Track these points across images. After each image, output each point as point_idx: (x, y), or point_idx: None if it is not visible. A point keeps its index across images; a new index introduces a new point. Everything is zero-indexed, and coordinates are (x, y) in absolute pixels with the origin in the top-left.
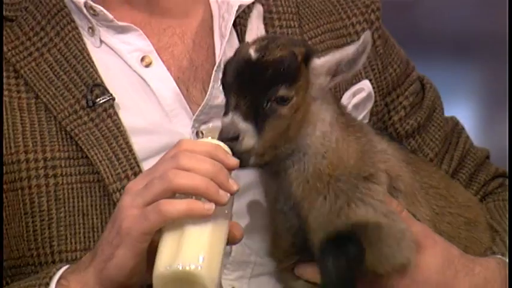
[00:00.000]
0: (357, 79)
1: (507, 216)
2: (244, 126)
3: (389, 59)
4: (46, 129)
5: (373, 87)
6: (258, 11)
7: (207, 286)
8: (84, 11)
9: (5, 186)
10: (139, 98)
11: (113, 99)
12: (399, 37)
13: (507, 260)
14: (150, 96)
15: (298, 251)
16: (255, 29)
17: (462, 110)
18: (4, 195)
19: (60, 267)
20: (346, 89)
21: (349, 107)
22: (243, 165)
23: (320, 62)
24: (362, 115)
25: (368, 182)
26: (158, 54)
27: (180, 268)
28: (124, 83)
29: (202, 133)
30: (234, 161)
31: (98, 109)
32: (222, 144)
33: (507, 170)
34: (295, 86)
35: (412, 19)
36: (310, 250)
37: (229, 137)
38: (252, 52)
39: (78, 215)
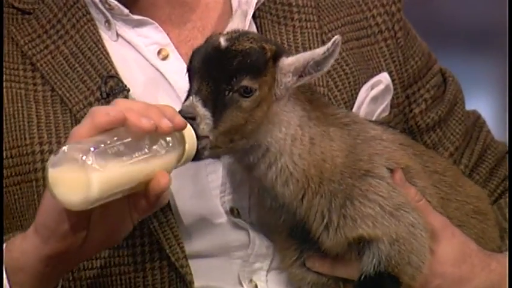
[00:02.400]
0: (377, 71)
1: None
2: (203, 111)
3: (411, 51)
4: (61, 122)
5: (394, 79)
6: (241, 11)
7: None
8: (100, 5)
9: (19, 178)
10: (156, 90)
11: (128, 90)
12: (420, 29)
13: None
14: (167, 88)
15: (298, 243)
16: (235, 26)
17: (482, 103)
18: (19, 186)
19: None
20: (365, 82)
21: (368, 99)
22: (198, 157)
23: (288, 61)
24: (381, 107)
25: (367, 178)
26: (178, 47)
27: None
28: (141, 76)
29: None
30: (181, 120)
31: (112, 101)
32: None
33: (507, 169)
34: (260, 79)
35: (433, 11)
36: (312, 241)
37: (187, 116)
38: (221, 40)
39: None
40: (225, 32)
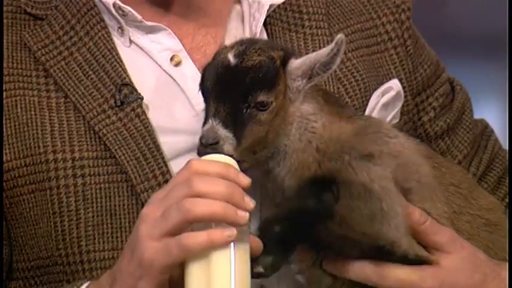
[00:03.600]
0: (387, 78)
1: None
2: (224, 133)
3: (420, 59)
4: (75, 129)
5: (404, 87)
6: (236, 11)
7: None
8: (113, 11)
9: (33, 186)
10: (169, 97)
11: (141, 98)
12: (428, 38)
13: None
14: (180, 95)
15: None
16: (234, 29)
17: (491, 111)
18: (33, 195)
19: (81, 284)
20: (375, 89)
21: (378, 106)
22: None
23: (295, 65)
24: (391, 114)
25: (367, 162)
26: (191, 53)
27: None
28: (153, 83)
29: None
30: (246, 180)
31: (126, 108)
32: (231, 160)
33: (508, 168)
34: (274, 91)
35: (441, 20)
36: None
37: (209, 143)
38: (230, 57)
39: (106, 215)
40: (230, 45)
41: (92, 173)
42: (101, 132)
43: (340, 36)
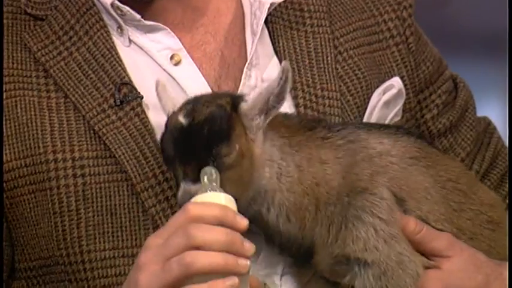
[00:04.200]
0: (388, 76)
1: None
2: (197, 188)
3: (422, 56)
4: (74, 129)
5: (406, 84)
6: (161, 85)
7: None
8: (111, 11)
9: (34, 186)
10: None
11: (141, 97)
12: (430, 35)
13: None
14: (180, 94)
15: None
16: (169, 100)
17: (493, 109)
18: (33, 195)
19: None
20: (377, 87)
21: (380, 104)
22: None
23: (248, 105)
24: (393, 112)
25: (364, 195)
26: (190, 52)
27: None
28: (153, 82)
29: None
30: (244, 223)
31: (126, 108)
32: (228, 197)
33: (508, 167)
34: (233, 138)
35: (444, 18)
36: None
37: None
38: (181, 119)
39: (106, 215)
40: (177, 109)
41: (92, 172)
42: (100, 132)
43: (284, 63)
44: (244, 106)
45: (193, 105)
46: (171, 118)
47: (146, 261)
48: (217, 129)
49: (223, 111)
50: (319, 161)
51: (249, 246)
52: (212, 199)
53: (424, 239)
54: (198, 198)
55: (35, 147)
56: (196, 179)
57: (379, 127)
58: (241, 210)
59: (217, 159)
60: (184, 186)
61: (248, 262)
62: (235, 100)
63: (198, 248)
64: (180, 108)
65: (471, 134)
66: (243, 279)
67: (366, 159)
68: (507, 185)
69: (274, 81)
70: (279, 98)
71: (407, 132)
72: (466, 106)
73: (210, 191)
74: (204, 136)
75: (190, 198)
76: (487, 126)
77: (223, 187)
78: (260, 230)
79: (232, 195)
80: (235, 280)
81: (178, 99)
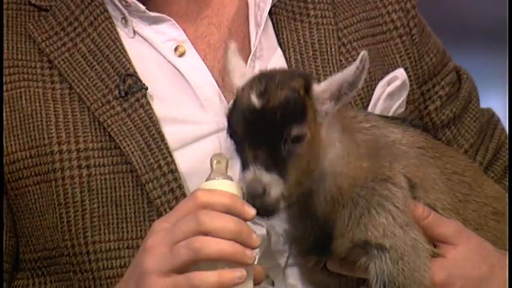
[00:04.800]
0: (392, 67)
1: None
2: (269, 178)
3: (426, 47)
4: (79, 120)
5: (410, 76)
6: (233, 48)
7: None
8: (116, 1)
9: (39, 178)
10: (173, 87)
11: (146, 88)
12: (434, 27)
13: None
14: (185, 85)
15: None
16: (238, 66)
17: (497, 101)
18: (38, 187)
19: None
20: (381, 78)
21: (384, 95)
22: (272, 213)
23: (321, 88)
24: (397, 104)
25: (387, 184)
26: (195, 43)
27: None
28: (158, 73)
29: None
30: (252, 212)
31: (131, 99)
32: (235, 185)
33: (508, 166)
34: (306, 121)
35: (447, 9)
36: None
37: (257, 194)
38: (254, 100)
39: (111, 206)
40: (248, 85)
41: (96, 163)
42: (105, 123)
43: (363, 53)
44: (316, 89)
45: (266, 84)
46: (243, 95)
47: (153, 244)
48: (291, 114)
49: (297, 95)
50: (356, 144)
51: (256, 237)
52: (221, 187)
53: (432, 224)
54: (207, 185)
55: (39, 139)
56: (268, 167)
57: (385, 117)
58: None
59: (289, 145)
60: (254, 170)
61: (254, 254)
62: (308, 82)
63: (206, 234)
64: (251, 86)
65: (474, 126)
66: (248, 269)
67: (385, 146)
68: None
69: (351, 69)
70: (353, 86)
71: (412, 124)
72: (469, 98)
73: (218, 178)
74: (278, 120)
75: (261, 188)
76: (490, 117)
77: (292, 177)
78: (298, 211)
79: (297, 183)
80: (243, 272)
81: (247, 70)
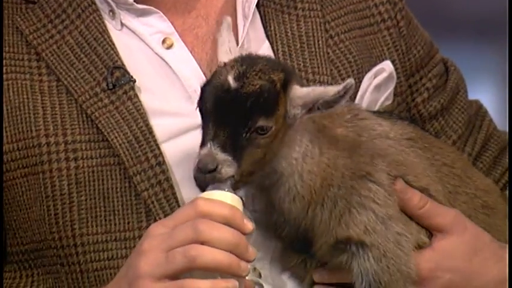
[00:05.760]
0: (380, 60)
1: None
2: (223, 157)
3: (413, 40)
4: (67, 113)
5: (397, 68)
6: (227, 23)
7: None
8: None
9: (26, 170)
10: (161, 80)
11: (134, 81)
12: (421, 19)
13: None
14: (172, 78)
15: (299, 254)
16: (227, 42)
17: (485, 93)
18: (25, 179)
19: None
20: (368, 70)
21: (371, 87)
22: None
23: (298, 94)
24: (384, 96)
25: (366, 182)
26: (183, 36)
27: None
28: (146, 66)
29: None
30: (250, 227)
31: (118, 91)
32: (235, 198)
33: (508, 166)
34: (274, 115)
35: (435, 1)
36: (312, 252)
37: (208, 170)
38: (230, 80)
39: (99, 198)
40: (229, 64)
41: (84, 156)
42: (93, 116)
43: (350, 80)
44: (294, 91)
45: (246, 68)
46: (221, 72)
47: (149, 248)
48: (262, 104)
49: (272, 88)
50: (335, 140)
51: (252, 251)
52: (222, 198)
53: (428, 213)
54: (208, 194)
55: (27, 131)
56: (225, 148)
57: (373, 112)
58: (252, 184)
59: (251, 134)
60: (210, 147)
61: (249, 267)
62: (288, 78)
63: (203, 243)
64: (232, 66)
65: (462, 117)
66: (240, 281)
67: (369, 139)
68: (500, 168)
69: (333, 89)
70: (328, 106)
71: (400, 117)
72: (457, 89)
73: (220, 189)
74: (247, 106)
75: (212, 164)
76: (478, 109)
77: (245, 163)
78: (261, 199)
79: (249, 172)
80: (235, 284)
81: (236, 48)
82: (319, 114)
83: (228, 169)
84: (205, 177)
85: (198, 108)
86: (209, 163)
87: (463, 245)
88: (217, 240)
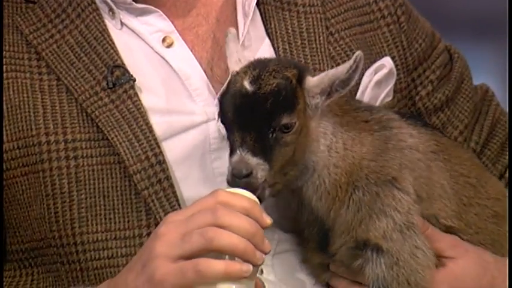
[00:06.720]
0: (379, 56)
1: None
2: (255, 161)
3: (414, 34)
4: (67, 111)
5: (397, 65)
6: (232, 34)
7: None
8: None
9: (26, 168)
10: (162, 78)
11: (134, 80)
12: (423, 16)
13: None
14: (173, 76)
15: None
16: (235, 52)
17: None
18: (25, 178)
19: None
20: (368, 67)
21: (371, 84)
22: (260, 200)
23: (313, 83)
24: (385, 92)
25: (392, 188)
26: (183, 34)
27: None
28: (146, 65)
29: None
30: (268, 221)
31: (119, 90)
32: (254, 197)
33: (508, 166)
34: (295, 111)
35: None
36: (330, 253)
37: (243, 175)
38: (246, 85)
39: (99, 197)
40: (242, 70)
41: (84, 155)
42: (93, 114)
43: (358, 52)
44: (309, 82)
45: (259, 71)
46: (236, 79)
47: (166, 231)
48: (281, 102)
49: (289, 85)
50: (360, 142)
51: (267, 244)
52: (242, 192)
53: (430, 235)
54: (228, 190)
55: (27, 130)
56: (255, 151)
57: (400, 115)
58: (288, 186)
59: (277, 132)
60: (240, 153)
61: (264, 257)
62: (301, 73)
63: (222, 227)
64: (245, 71)
65: (468, 106)
66: (253, 273)
67: (397, 147)
68: (507, 154)
69: (344, 66)
70: (345, 84)
71: (424, 123)
72: (461, 78)
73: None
74: (268, 107)
75: (246, 169)
76: (484, 94)
77: (277, 163)
78: (292, 200)
79: (282, 172)
80: (250, 267)
81: (244, 55)
82: (342, 111)
83: (262, 172)
84: (240, 182)
85: (220, 121)
86: (243, 169)
87: (470, 265)
88: (236, 226)
